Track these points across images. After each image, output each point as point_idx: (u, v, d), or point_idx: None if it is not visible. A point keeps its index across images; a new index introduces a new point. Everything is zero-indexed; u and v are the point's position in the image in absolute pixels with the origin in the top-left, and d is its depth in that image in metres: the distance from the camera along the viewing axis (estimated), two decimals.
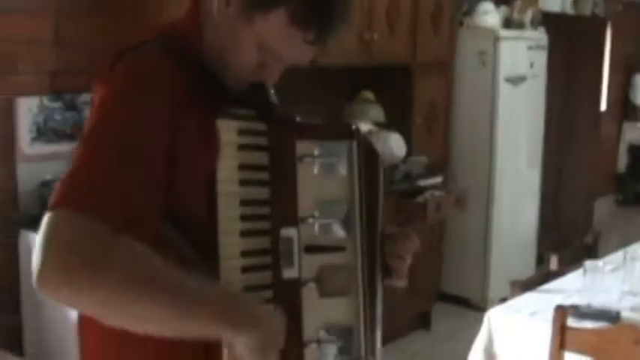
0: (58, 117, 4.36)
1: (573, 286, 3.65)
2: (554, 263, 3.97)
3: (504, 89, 6.61)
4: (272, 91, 1.91)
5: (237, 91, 1.80)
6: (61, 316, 3.96)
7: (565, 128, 8.01)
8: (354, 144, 1.78)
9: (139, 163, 1.56)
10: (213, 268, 1.65)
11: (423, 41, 6.25)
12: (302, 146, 1.74)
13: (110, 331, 1.71)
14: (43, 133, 4.31)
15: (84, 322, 1.84)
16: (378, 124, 6.05)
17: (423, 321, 6.30)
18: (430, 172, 6.16)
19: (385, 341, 5.39)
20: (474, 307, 6.50)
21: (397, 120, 6.19)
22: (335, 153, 1.76)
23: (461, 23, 6.74)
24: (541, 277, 3.94)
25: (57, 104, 4.36)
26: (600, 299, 3.47)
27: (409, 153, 6.11)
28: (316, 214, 1.74)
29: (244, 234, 1.69)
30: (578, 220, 8.44)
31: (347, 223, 1.76)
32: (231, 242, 1.67)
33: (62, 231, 1.45)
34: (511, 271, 6.20)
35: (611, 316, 3.33)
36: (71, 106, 4.39)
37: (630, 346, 2.82)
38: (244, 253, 1.68)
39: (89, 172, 1.53)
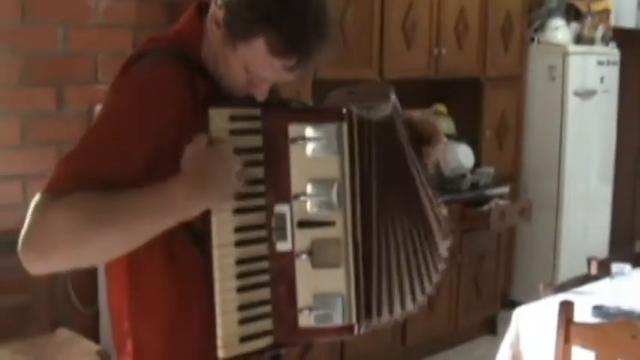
0: None
1: (605, 290, 3.70)
2: (594, 268, 4.04)
3: (573, 103, 6.67)
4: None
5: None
6: None
7: None
8: (344, 125, 1.87)
9: (108, 153, 1.78)
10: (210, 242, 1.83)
11: (493, 56, 6.36)
12: (294, 129, 1.85)
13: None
14: None
15: (110, 287, 2.06)
16: (448, 136, 6.18)
17: (490, 326, 6.37)
18: (498, 182, 6.24)
19: (450, 344, 5.54)
20: None
21: (467, 131, 6.31)
22: (325, 134, 1.86)
23: (532, 39, 6.84)
24: (577, 280, 3.98)
25: None
26: (630, 302, 3.51)
27: (478, 164, 6.21)
28: (308, 191, 1.86)
29: (237, 211, 1.84)
30: None
31: (337, 200, 1.87)
32: (223, 219, 1.83)
33: (29, 215, 1.72)
34: None
35: (632, 317, 3.33)
36: None
37: (628, 340, 2.87)
38: (238, 229, 1.84)
39: (64, 161, 1.78)
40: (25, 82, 4.39)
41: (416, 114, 2.16)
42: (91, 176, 1.74)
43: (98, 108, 4.37)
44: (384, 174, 1.97)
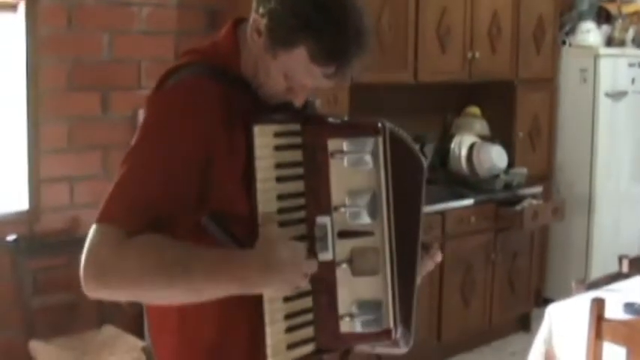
0: None
1: (636, 287, 3.64)
2: (625, 266, 4.00)
3: (605, 104, 6.59)
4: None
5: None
6: None
7: None
8: (380, 139, 1.88)
9: (161, 181, 1.75)
10: None
11: (525, 59, 6.31)
12: (333, 143, 1.86)
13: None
14: None
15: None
16: (482, 137, 6.16)
17: (523, 323, 6.31)
18: (530, 182, 6.19)
19: (485, 340, 5.49)
20: None
21: (501, 133, 6.26)
22: (362, 148, 1.87)
23: (564, 42, 6.78)
24: (608, 278, 3.94)
25: None
26: None
27: (511, 164, 6.16)
28: (347, 202, 1.87)
29: (282, 224, 1.85)
30: None
31: (374, 210, 1.88)
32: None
33: (93, 244, 1.70)
34: None
35: None
36: None
37: None
38: None
39: (120, 189, 1.75)
40: (72, 87, 4.42)
41: None
42: (148, 205, 1.74)
43: (142, 113, 4.44)
44: (406, 188, 2.01)
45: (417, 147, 2.10)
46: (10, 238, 4.20)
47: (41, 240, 4.29)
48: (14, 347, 4.28)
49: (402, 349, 2.06)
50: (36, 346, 4.12)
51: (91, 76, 4.47)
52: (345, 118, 2.04)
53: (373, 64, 4.99)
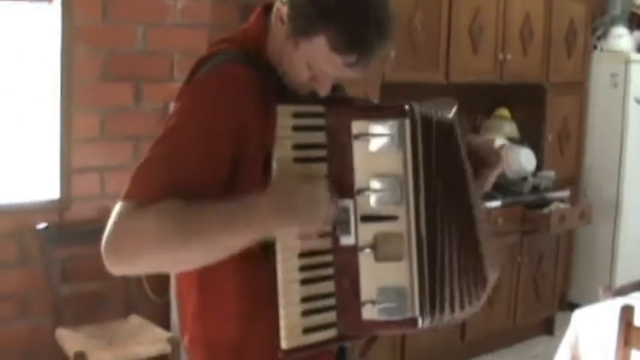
0: None
1: None
2: None
3: (635, 109, 6.47)
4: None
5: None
6: None
7: None
8: (407, 122, 1.80)
9: (185, 168, 1.73)
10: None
11: (556, 62, 6.22)
12: (357, 125, 1.79)
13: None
14: None
15: (181, 290, 2.02)
16: (511, 139, 6.10)
17: (547, 327, 6.24)
18: (558, 186, 6.11)
19: (508, 342, 5.44)
20: None
21: (530, 135, 6.19)
22: (388, 130, 1.79)
23: (595, 47, 6.70)
24: (636, 285, 3.89)
25: None
26: None
27: (539, 167, 6.10)
28: (371, 186, 1.80)
29: None
30: None
31: (399, 195, 1.80)
32: None
33: (113, 220, 1.68)
34: None
35: None
36: None
37: None
38: None
39: (146, 170, 1.73)
40: (105, 78, 4.41)
41: (475, 138, 2.12)
42: (171, 185, 1.70)
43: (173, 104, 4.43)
44: (443, 172, 1.92)
45: (455, 127, 2.03)
46: (41, 226, 4.21)
47: (71, 229, 4.29)
48: (42, 334, 4.28)
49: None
50: (63, 334, 4.12)
51: (124, 67, 4.46)
52: (375, 102, 1.99)
53: (405, 64, 5.00)
